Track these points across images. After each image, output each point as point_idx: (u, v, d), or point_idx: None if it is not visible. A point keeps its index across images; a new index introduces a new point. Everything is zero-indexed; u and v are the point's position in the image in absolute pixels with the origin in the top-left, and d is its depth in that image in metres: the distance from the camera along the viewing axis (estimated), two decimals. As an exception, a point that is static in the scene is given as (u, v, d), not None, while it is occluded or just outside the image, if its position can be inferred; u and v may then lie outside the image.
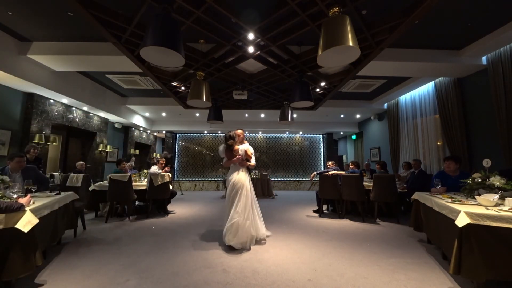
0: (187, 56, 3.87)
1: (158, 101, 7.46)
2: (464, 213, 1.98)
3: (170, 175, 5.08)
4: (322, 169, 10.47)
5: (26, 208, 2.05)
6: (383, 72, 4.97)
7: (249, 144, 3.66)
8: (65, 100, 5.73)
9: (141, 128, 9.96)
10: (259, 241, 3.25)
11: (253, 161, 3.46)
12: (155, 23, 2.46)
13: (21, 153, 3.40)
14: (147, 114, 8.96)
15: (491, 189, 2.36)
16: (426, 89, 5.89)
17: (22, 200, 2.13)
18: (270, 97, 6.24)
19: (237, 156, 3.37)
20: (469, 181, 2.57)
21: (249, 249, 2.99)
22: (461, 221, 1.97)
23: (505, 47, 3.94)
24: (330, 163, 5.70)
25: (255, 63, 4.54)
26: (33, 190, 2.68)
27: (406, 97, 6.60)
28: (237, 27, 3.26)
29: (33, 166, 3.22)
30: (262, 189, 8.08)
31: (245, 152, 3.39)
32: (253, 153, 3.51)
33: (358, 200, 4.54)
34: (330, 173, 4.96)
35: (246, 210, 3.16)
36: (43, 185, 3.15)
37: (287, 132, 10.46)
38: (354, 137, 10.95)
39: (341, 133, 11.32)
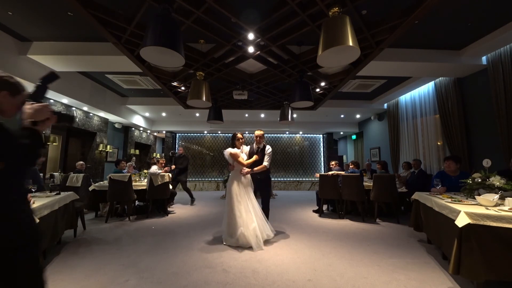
0: (187, 56, 3.87)
1: (158, 101, 7.45)
2: (464, 213, 1.99)
3: (170, 175, 5.08)
4: (322, 169, 10.47)
5: (26, 208, 2.05)
6: (383, 72, 4.97)
7: (246, 145, 3.62)
8: (65, 100, 5.72)
9: (141, 128, 9.96)
10: (265, 242, 3.19)
11: (265, 163, 3.39)
12: (155, 23, 2.46)
13: None
14: (147, 114, 8.96)
15: (491, 189, 2.37)
16: (426, 89, 5.89)
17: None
18: (270, 97, 6.24)
19: (229, 164, 3.38)
20: (469, 181, 2.58)
21: (261, 249, 3.00)
22: (461, 221, 1.97)
23: (505, 47, 3.94)
24: (333, 162, 5.69)
25: (255, 63, 4.54)
26: (33, 190, 2.69)
27: (406, 97, 6.60)
28: (237, 27, 3.25)
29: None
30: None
31: (231, 155, 3.31)
32: (241, 156, 3.34)
33: (358, 200, 4.54)
34: (330, 173, 4.96)
35: (246, 215, 3.13)
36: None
37: (287, 132, 10.46)
38: (354, 137, 10.95)
39: (341, 133, 11.31)
